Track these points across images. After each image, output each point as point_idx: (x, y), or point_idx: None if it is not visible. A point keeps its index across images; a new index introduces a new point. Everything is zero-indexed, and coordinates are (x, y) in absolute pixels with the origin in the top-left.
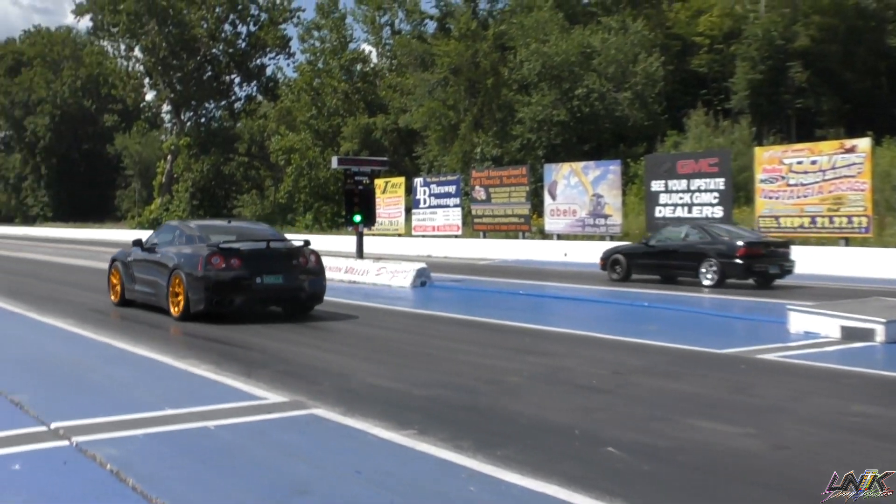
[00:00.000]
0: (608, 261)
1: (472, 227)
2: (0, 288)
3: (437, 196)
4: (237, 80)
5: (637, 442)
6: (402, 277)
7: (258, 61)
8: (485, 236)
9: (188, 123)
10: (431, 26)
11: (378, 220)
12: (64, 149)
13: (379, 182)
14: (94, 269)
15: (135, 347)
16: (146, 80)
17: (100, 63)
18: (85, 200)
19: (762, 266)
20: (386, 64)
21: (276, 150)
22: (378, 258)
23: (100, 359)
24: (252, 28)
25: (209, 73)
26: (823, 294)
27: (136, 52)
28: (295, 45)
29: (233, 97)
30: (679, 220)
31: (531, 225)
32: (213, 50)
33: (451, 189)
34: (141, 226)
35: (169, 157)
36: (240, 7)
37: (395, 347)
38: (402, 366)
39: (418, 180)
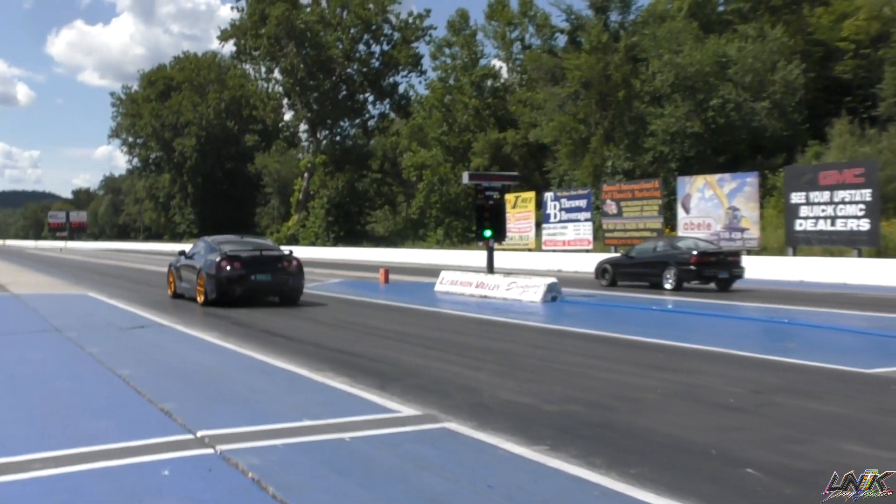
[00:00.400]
0: (599, 270)
1: (603, 241)
2: (149, 302)
3: (568, 210)
4: (371, 98)
5: (778, 464)
6: (532, 292)
7: (391, 79)
8: (616, 251)
9: (324, 142)
10: (562, 40)
11: (508, 234)
12: (208, 168)
13: (509, 197)
14: None
15: (274, 360)
16: (285, 101)
17: (242, 85)
18: (227, 217)
19: (711, 271)
20: (516, 79)
21: (408, 166)
22: (508, 273)
23: (242, 370)
24: (385, 47)
25: (344, 93)
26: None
27: (276, 73)
28: (426, 62)
29: (366, 115)
30: (821, 234)
31: None
32: (348, 70)
33: (582, 203)
34: (279, 241)
35: (305, 174)
36: (373, 27)
37: (526, 362)
38: (534, 381)
39: (548, 195)
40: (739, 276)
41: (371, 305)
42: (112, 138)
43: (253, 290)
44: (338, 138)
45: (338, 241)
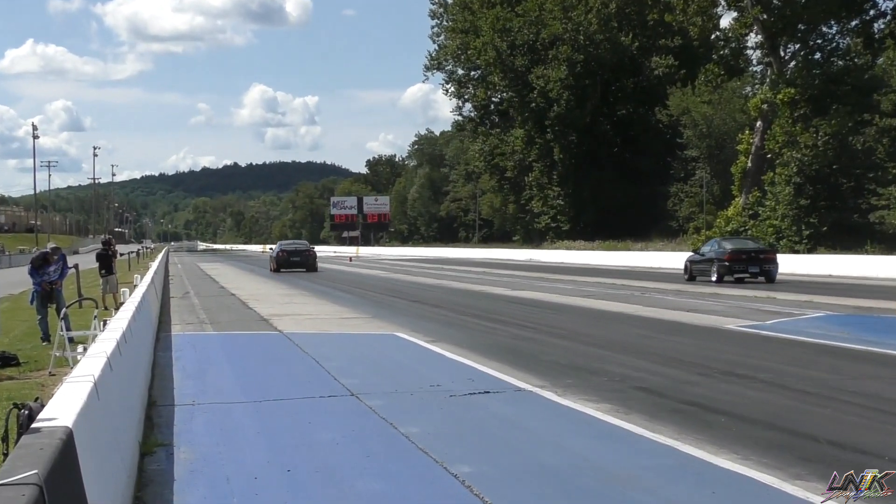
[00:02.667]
0: (685, 267)
1: None
2: (495, 348)
3: None
4: None
5: None
6: None
7: None
8: None
9: (792, 64)
10: None
11: None
12: (586, 117)
13: None
14: (639, 319)
15: (716, 455)
16: None
17: None
18: (620, 203)
19: (742, 267)
20: None
21: None
22: None
23: (659, 471)
24: None
25: None
26: None
27: None
28: None
29: (871, 12)
30: None
31: None
32: None
33: None
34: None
35: (759, 123)
36: None
37: None
38: None
39: None
40: (769, 271)
41: (884, 360)
42: (431, 71)
43: (291, 264)
44: (817, 56)
45: (814, 241)
